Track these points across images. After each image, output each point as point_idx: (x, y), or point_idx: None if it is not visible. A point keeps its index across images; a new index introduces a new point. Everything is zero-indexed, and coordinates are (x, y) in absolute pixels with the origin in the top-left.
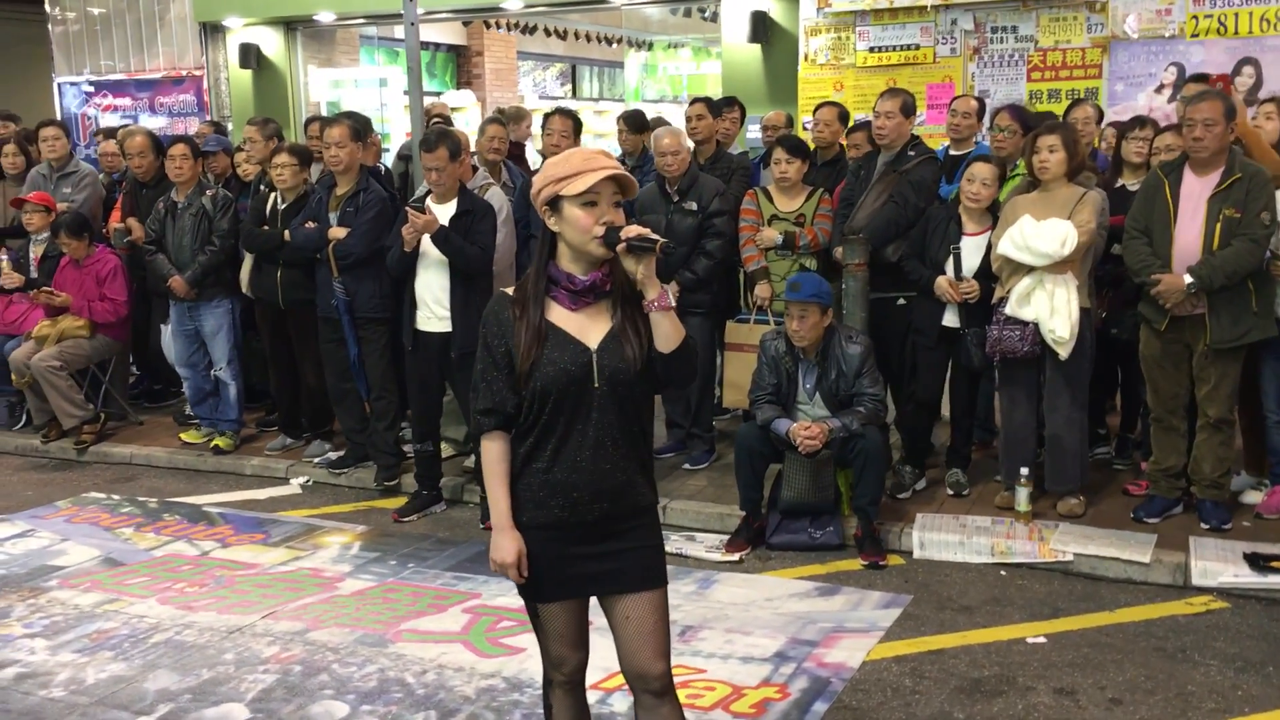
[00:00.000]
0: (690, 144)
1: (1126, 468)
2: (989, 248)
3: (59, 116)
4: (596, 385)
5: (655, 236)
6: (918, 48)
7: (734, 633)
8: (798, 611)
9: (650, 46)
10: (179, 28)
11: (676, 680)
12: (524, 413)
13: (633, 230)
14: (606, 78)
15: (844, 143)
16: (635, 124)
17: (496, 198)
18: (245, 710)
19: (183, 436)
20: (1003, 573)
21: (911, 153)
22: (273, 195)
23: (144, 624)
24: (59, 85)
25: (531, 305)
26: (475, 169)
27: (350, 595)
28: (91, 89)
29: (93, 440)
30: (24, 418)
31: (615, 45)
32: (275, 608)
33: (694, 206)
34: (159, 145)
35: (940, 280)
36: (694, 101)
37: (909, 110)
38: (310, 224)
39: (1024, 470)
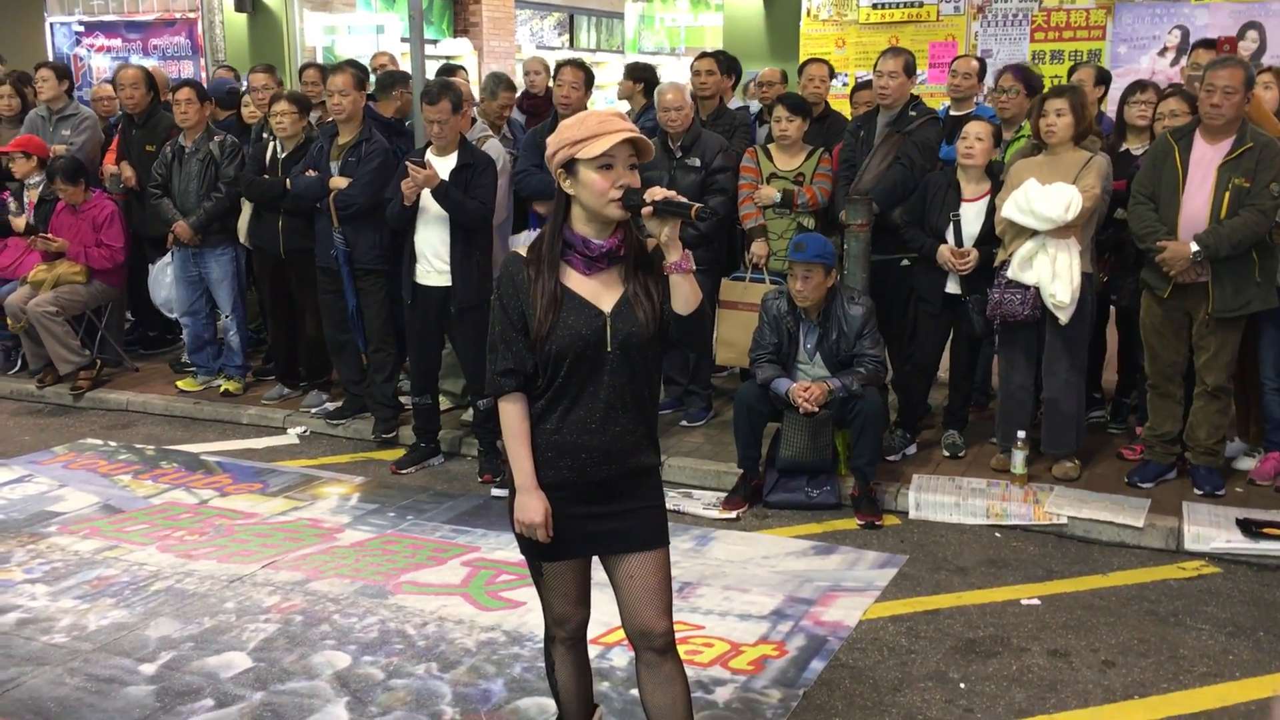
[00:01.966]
0: (691, 99)
1: (1122, 432)
2: (989, 212)
3: (50, 57)
4: (609, 349)
5: (686, 201)
6: (921, 5)
7: (731, 590)
8: (795, 570)
9: None
10: None
11: (675, 637)
12: (537, 375)
13: (659, 193)
14: (605, 28)
15: (830, 100)
16: (636, 75)
17: (495, 149)
18: (247, 659)
19: (179, 384)
20: (997, 535)
21: (913, 113)
22: (272, 143)
23: (144, 571)
24: (50, 25)
25: (546, 269)
26: (474, 120)
27: (349, 546)
28: (82, 29)
29: (89, 386)
30: (19, 362)
31: None
32: (275, 558)
33: (697, 163)
34: (153, 82)
35: (943, 249)
36: (702, 56)
37: (910, 70)
38: (311, 172)
39: (1020, 433)
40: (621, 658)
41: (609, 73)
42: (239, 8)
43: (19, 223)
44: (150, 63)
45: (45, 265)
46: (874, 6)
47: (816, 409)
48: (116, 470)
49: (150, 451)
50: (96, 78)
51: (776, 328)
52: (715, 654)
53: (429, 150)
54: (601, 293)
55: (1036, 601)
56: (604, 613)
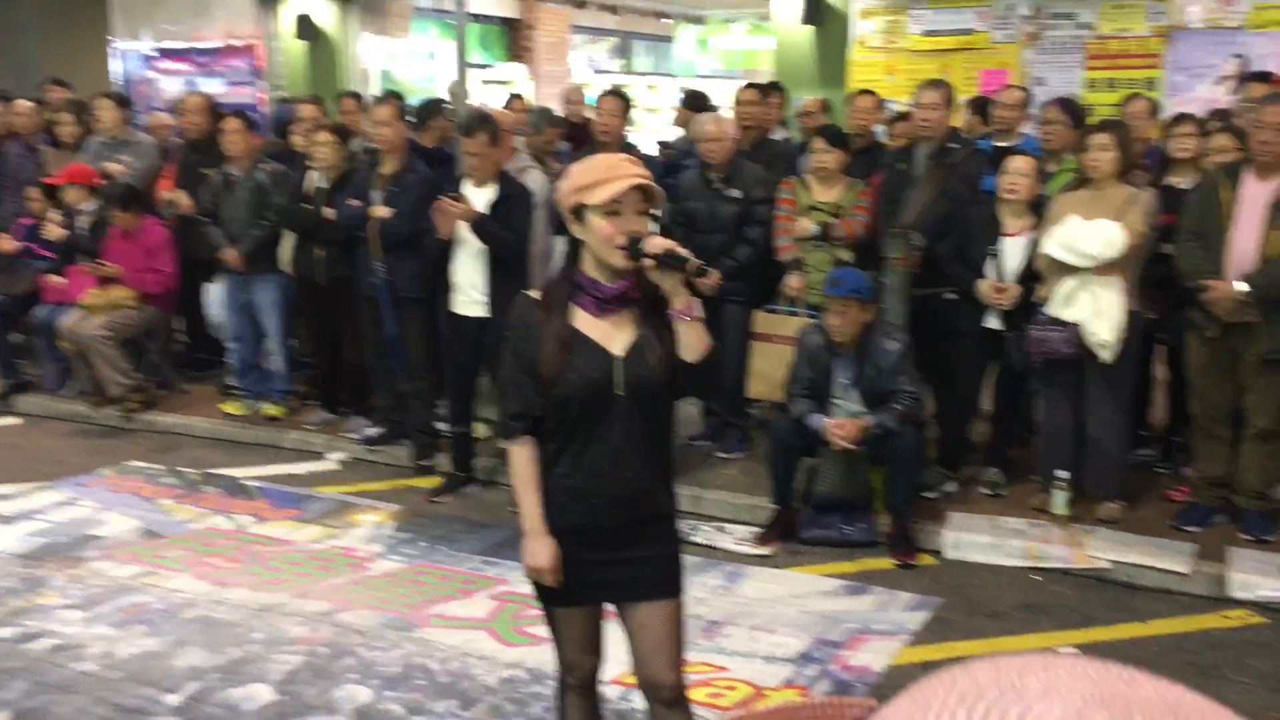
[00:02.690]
0: (732, 131)
1: (1169, 472)
2: (1032, 247)
3: (117, 82)
4: (620, 393)
5: (686, 254)
6: (972, 33)
7: (759, 630)
8: (825, 610)
9: (703, 22)
10: None
11: (698, 678)
12: (547, 419)
13: (659, 245)
14: (659, 52)
15: (878, 129)
16: (692, 103)
17: (535, 180)
18: (271, 692)
19: (224, 408)
20: (1036, 578)
21: (953, 145)
22: (313, 173)
23: (178, 599)
24: (117, 50)
25: (556, 311)
26: (515, 150)
27: (380, 576)
28: (155, 54)
29: (139, 408)
30: (72, 384)
31: (668, 20)
32: (306, 587)
33: (737, 194)
34: (216, 110)
35: (983, 284)
36: (747, 86)
37: (950, 101)
38: (354, 201)
39: (1062, 473)
40: (642, 700)
41: (663, 96)
42: (301, 35)
43: (57, 231)
44: (215, 86)
45: (98, 290)
46: (925, 34)
47: (851, 446)
48: (159, 494)
49: (193, 475)
50: (163, 101)
51: (813, 362)
52: (738, 697)
53: (466, 182)
54: (612, 335)
55: (1073, 650)
56: (623, 652)
